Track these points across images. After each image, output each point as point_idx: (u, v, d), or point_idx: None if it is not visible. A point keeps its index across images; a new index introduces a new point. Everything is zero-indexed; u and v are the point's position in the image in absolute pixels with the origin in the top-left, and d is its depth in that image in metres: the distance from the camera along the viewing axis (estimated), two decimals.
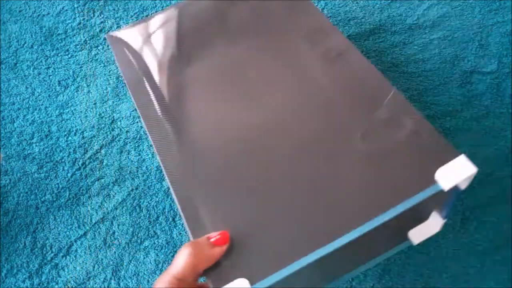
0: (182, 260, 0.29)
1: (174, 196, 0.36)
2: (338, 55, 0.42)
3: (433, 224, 0.41)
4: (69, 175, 0.57)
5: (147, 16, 0.72)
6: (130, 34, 0.48)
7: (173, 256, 0.50)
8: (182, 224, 0.52)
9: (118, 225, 0.53)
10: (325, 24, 0.45)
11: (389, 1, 0.68)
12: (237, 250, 0.32)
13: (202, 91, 0.42)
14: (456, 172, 0.33)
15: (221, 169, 0.36)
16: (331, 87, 0.40)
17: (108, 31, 0.70)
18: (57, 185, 0.56)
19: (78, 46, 0.69)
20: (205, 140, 0.38)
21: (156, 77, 0.44)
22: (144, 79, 0.44)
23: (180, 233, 0.52)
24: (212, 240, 0.31)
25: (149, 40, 0.47)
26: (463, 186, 0.34)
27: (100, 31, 0.71)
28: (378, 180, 0.34)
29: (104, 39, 0.70)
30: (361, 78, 0.40)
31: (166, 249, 0.51)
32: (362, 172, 0.34)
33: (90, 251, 0.52)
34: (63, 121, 0.62)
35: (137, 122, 0.61)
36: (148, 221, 0.53)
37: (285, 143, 0.37)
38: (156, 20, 0.49)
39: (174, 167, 0.37)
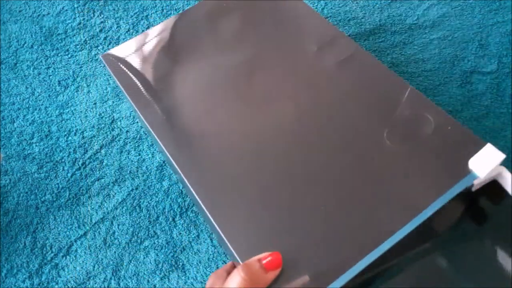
0: (235, 284, 0.28)
1: (209, 217, 0.35)
2: (347, 57, 0.42)
3: None
4: (69, 175, 0.57)
5: (146, 16, 0.72)
6: (126, 51, 0.46)
7: (173, 256, 0.50)
8: (182, 224, 0.52)
9: (118, 225, 0.53)
10: (329, 27, 0.45)
11: (389, 1, 0.68)
12: (286, 270, 0.31)
13: (211, 101, 0.41)
14: (488, 160, 0.33)
15: (250, 185, 0.35)
16: (345, 90, 0.40)
17: (108, 31, 0.70)
18: (57, 185, 0.56)
19: (78, 46, 0.69)
20: (225, 153, 0.37)
21: (161, 90, 0.42)
22: (148, 93, 0.42)
23: (180, 233, 0.52)
24: (264, 262, 0.30)
25: (147, 54, 0.46)
26: (493, 173, 0.35)
27: (100, 31, 0.71)
28: (413, 177, 0.34)
29: (105, 38, 0.70)
30: (375, 78, 0.40)
31: (166, 249, 0.51)
32: (395, 172, 0.34)
33: (90, 251, 0.52)
34: (63, 121, 0.62)
35: (137, 122, 0.61)
36: (148, 221, 0.53)
37: (309, 152, 0.36)
38: (152, 34, 0.48)
39: (202, 185, 0.36)
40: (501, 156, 0.33)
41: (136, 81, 0.44)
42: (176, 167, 0.37)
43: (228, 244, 0.33)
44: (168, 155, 0.38)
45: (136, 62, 0.45)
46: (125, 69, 0.45)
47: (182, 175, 0.37)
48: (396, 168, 0.34)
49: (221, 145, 0.38)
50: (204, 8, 0.49)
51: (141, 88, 0.43)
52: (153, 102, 0.42)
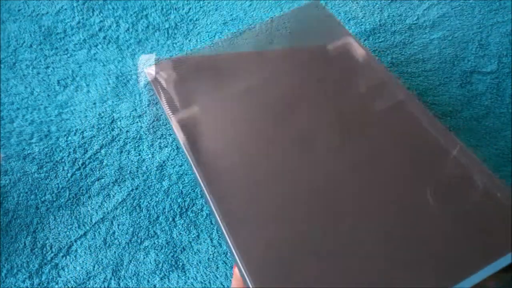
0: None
1: (228, 240, 0.34)
2: (395, 103, 0.40)
3: None
4: (69, 175, 0.57)
5: (146, 15, 0.72)
6: (172, 69, 0.47)
7: (173, 256, 0.50)
8: (182, 224, 0.52)
9: (118, 225, 0.53)
10: (379, 69, 0.43)
11: (389, 1, 0.68)
12: None
13: (251, 133, 0.41)
14: None
15: (281, 220, 0.34)
16: (390, 137, 0.38)
17: (108, 30, 0.70)
18: (57, 185, 0.56)
19: (77, 45, 0.69)
20: (259, 184, 0.37)
21: (205, 117, 0.43)
22: (194, 120, 0.43)
23: (180, 233, 0.52)
24: None
25: (194, 76, 0.46)
26: None
27: (100, 30, 0.71)
28: (447, 245, 0.31)
29: (104, 38, 0.70)
30: (422, 128, 0.38)
31: (166, 249, 0.51)
32: (429, 236, 0.32)
33: (90, 251, 0.52)
34: (63, 121, 0.62)
35: (137, 122, 0.61)
36: (148, 221, 0.53)
37: (346, 198, 0.35)
38: (202, 55, 0.48)
39: (231, 212, 0.35)
40: None
41: (183, 103, 0.44)
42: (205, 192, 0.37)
43: (244, 270, 0.32)
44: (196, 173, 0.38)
45: (183, 83, 0.46)
46: (168, 88, 0.45)
47: (209, 199, 0.37)
48: (430, 231, 0.32)
49: (255, 176, 0.38)
50: (257, 31, 0.49)
51: (182, 109, 0.43)
52: (193, 123, 0.42)
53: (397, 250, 0.32)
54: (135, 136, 0.59)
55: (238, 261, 0.33)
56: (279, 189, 0.36)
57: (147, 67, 0.47)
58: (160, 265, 0.50)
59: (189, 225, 0.52)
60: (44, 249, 0.52)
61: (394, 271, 0.31)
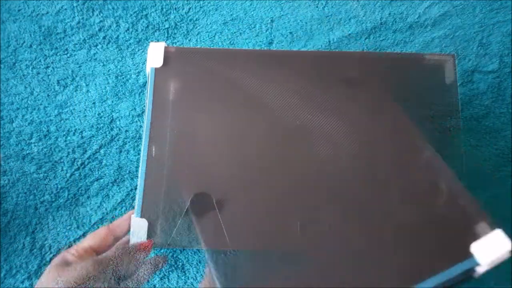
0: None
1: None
2: (395, 127, 0.41)
3: None
4: (68, 175, 0.57)
5: (146, 15, 0.71)
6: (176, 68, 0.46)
7: (172, 256, 0.50)
8: (182, 224, 0.52)
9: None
10: None
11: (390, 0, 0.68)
12: None
13: (246, 141, 0.42)
14: (493, 248, 0.31)
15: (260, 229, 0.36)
16: (372, 135, 0.39)
17: (108, 30, 0.70)
18: (56, 186, 0.56)
19: (77, 45, 0.69)
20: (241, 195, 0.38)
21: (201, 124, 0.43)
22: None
23: (180, 233, 0.52)
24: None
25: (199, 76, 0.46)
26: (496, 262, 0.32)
27: (99, 30, 0.70)
28: (411, 248, 0.33)
29: (104, 38, 0.69)
30: (397, 135, 0.39)
31: (166, 249, 0.51)
32: (396, 238, 0.33)
33: None
34: (62, 121, 0.62)
35: (136, 122, 0.61)
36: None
37: (320, 204, 0.36)
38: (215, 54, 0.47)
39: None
40: (508, 246, 0.31)
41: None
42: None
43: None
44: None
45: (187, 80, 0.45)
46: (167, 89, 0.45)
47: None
48: (398, 234, 0.34)
49: (249, 179, 0.39)
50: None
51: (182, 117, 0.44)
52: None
53: (361, 252, 0.33)
54: (134, 135, 0.59)
55: (209, 261, 0.34)
56: (263, 191, 0.38)
57: (153, 59, 0.47)
58: (160, 265, 0.50)
59: (189, 225, 0.52)
60: (43, 249, 0.52)
61: (356, 272, 0.32)
